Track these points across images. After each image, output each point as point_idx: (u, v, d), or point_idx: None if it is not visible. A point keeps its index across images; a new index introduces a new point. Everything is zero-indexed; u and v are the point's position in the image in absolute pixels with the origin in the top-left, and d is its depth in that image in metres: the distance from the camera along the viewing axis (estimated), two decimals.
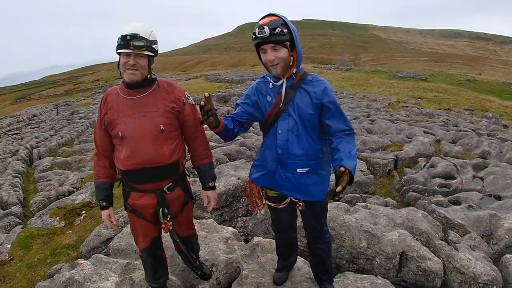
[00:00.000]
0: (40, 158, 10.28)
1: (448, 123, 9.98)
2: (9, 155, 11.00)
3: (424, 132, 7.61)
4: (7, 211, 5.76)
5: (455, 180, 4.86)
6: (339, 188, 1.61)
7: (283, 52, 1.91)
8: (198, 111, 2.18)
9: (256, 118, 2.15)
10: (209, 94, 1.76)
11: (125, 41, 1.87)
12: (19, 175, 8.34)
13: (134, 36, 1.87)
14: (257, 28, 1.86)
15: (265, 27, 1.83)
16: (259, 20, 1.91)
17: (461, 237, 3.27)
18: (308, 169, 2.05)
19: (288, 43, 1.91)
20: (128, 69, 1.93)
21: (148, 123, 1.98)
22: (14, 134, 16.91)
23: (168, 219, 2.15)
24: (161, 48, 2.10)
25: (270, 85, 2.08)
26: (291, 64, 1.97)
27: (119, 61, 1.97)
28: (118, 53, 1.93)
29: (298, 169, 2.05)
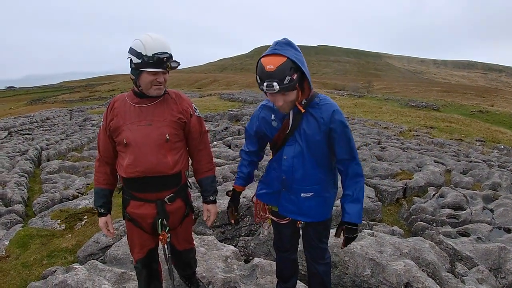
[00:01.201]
0: (48, 160, 10.40)
1: (459, 153, 9.80)
2: (18, 154, 11.16)
3: (435, 162, 7.46)
4: (9, 208, 5.78)
5: (465, 211, 4.71)
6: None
7: (292, 95, 1.82)
8: (204, 123, 2.24)
9: (267, 141, 2.17)
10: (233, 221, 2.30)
11: (160, 61, 1.85)
12: (26, 175, 8.41)
13: (171, 57, 1.90)
14: (265, 84, 1.72)
15: (274, 83, 1.70)
16: (263, 58, 1.75)
17: (469, 269, 3.15)
18: (312, 193, 2.03)
19: (297, 83, 1.77)
20: (155, 85, 1.94)
21: (153, 132, 1.97)
22: (25, 134, 17.22)
23: (166, 231, 2.10)
24: None
25: (273, 117, 2.04)
26: (300, 96, 1.88)
27: (139, 76, 1.92)
28: (142, 70, 1.88)
29: (302, 194, 2.03)
